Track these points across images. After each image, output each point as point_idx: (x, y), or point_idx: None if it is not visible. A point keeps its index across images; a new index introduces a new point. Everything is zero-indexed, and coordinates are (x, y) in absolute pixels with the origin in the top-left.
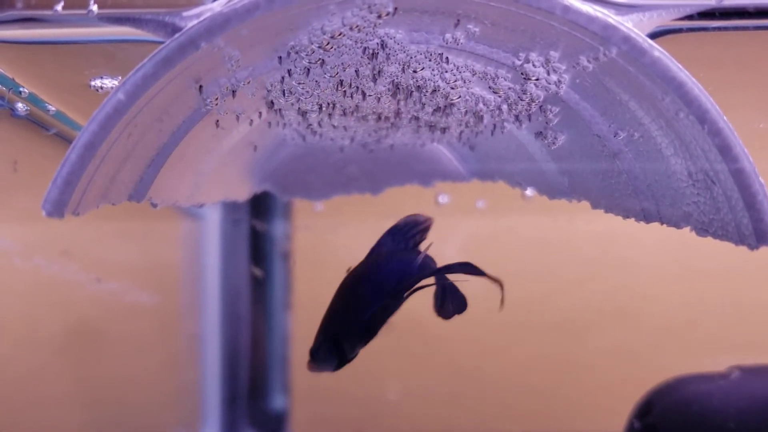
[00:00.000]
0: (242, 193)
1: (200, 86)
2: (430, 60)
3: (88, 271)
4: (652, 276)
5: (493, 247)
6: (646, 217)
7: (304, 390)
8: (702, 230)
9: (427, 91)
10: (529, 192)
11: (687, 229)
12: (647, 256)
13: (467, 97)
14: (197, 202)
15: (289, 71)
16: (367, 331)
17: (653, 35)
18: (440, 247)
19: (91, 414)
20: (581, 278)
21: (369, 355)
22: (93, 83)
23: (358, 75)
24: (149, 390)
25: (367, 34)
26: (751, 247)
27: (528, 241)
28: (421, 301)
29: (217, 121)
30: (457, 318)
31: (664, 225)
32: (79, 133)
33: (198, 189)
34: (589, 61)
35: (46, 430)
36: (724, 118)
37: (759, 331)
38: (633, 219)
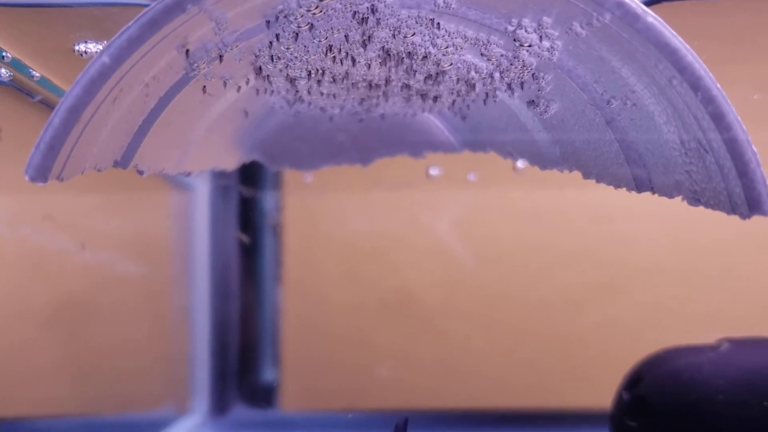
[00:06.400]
0: (231, 162)
1: (187, 50)
2: (421, 25)
3: (76, 242)
4: (644, 250)
5: (485, 220)
6: (638, 187)
7: (295, 363)
8: (694, 199)
9: (418, 58)
10: (521, 164)
11: (679, 199)
12: (640, 230)
13: (459, 65)
14: (185, 170)
15: (277, 36)
16: None
17: (648, 2)
18: (433, 221)
19: (79, 387)
20: (573, 252)
21: (360, 328)
22: (77, 48)
23: (347, 40)
24: (138, 363)
25: None
26: (743, 216)
27: (520, 215)
28: (413, 275)
29: (204, 87)
30: (448, 291)
31: (656, 194)
32: (62, 97)
33: (185, 157)
34: (582, 27)
35: (35, 402)
36: (718, 85)
37: (750, 304)
38: (625, 189)
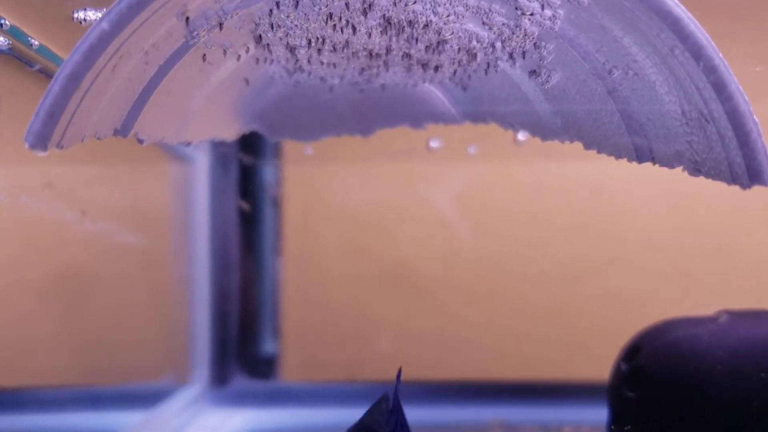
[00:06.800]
0: (230, 132)
1: (187, 18)
2: None
3: (76, 212)
4: (644, 223)
5: (485, 193)
6: (639, 157)
7: (295, 334)
8: (695, 170)
9: (419, 26)
10: (522, 136)
11: (679, 171)
12: (640, 203)
13: (460, 34)
14: (184, 139)
15: (277, 3)
16: None
17: None
18: (433, 193)
19: (79, 357)
20: (573, 225)
21: (359, 300)
22: (76, 15)
23: (348, 8)
24: (138, 334)
25: None
26: (744, 186)
27: (520, 188)
28: (412, 247)
29: (204, 55)
30: (447, 264)
31: (657, 165)
32: (62, 65)
33: (185, 126)
34: None
35: (34, 372)
36: (720, 55)
37: (750, 277)
38: (625, 160)
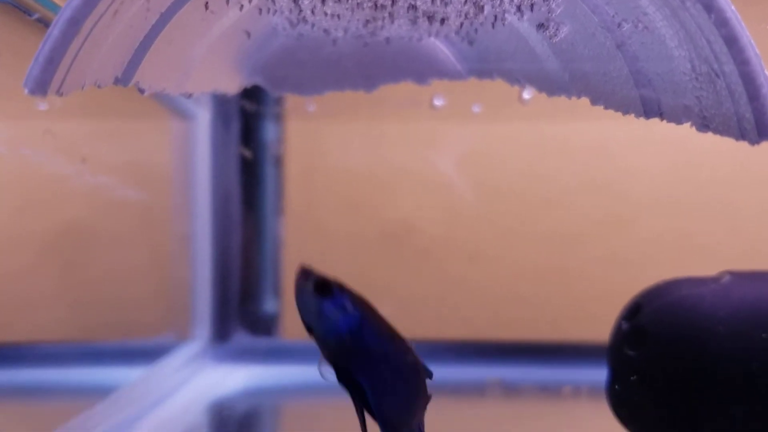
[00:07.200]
0: (232, 85)
1: None
2: None
3: (76, 167)
4: (647, 183)
5: (488, 153)
6: (647, 113)
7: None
8: (703, 125)
9: None
10: (527, 94)
11: (683, 129)
12: (643, 164)
13: None
14: (186, 91)
15: None
16: None
17: None
18: (436, 152)
19: (79, 313)
20: (576, 186)
21: (361, 259)
22: None
23: None
24: (138, 289)
25: None
26: (752, 142)
27: (523, 148)
28: (414, 207)
29: (207, 3)
30: (449, 224)
31: (665, 120)
32: (61, 9)
33: (187, 77)
34: None
35: (34, 327)
36: (732, 7)
37: (754, 238)
38: (633, 115)
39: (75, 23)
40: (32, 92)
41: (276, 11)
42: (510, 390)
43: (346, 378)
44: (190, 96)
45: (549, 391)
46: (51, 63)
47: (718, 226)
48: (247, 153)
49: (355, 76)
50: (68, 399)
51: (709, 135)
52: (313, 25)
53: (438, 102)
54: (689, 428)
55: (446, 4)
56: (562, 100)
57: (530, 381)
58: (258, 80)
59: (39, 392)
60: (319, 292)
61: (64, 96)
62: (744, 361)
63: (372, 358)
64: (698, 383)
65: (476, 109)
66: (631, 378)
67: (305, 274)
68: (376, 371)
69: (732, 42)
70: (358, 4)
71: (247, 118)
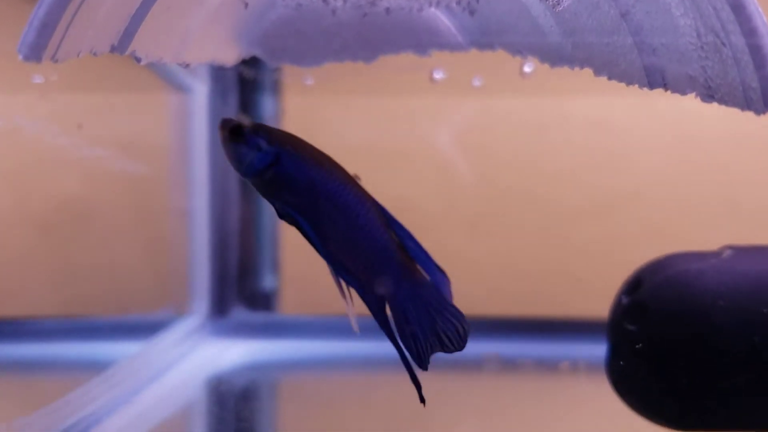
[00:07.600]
0: (230, 56)
1: None
2: None
3: (74, 141)
4: (648, 159)
5: (489, 128)
6: (651, 83)
7: (294, 269)
8: (707, 96)
9: None
10: (528, 67)
11: (685, 102)
12: (644, 139)
13: None
14: (183, 60)
15: None
16: None
17: None
18: (436, 127)
19: (76, 288)
20: (576, 161)
21: None
22: None
23: None
24: (136, 264)
25: None
26: (758, 112)
27: (524, 123)
28: (413, 182)
29: None
30: (448, 200)
31: (669, 91)
32: None
33: (184, 46)
34: None
35: (33, 302)
36: None
37: (755, 213)
38: (636, 86)
39: None
40: (27, 58)
41: None
42: (507, 365)
43: (287, 218)
44: (187, 66)
45: (546, 366)
46: (46, 27)
47: (720, 202)
48: (246, 119)
49: (354, 47)
50: (66, 374)
51: (714, 108)
52: None
53: (438, 75)
54: (689, 402)
55: None
56: (564, 73)
57: (528, 356)
58: (256, 51)
59: (36, 367)
60: (234, 137)
61: (59, 62)
62: (745, 336)
63: (298, 189)
64: (699, 358)
65: (477, 82)
66: (634, 348)
67: (224, 124)
68: (307, 202)
69: (739, 9)
70: None
71: (244, 92)
